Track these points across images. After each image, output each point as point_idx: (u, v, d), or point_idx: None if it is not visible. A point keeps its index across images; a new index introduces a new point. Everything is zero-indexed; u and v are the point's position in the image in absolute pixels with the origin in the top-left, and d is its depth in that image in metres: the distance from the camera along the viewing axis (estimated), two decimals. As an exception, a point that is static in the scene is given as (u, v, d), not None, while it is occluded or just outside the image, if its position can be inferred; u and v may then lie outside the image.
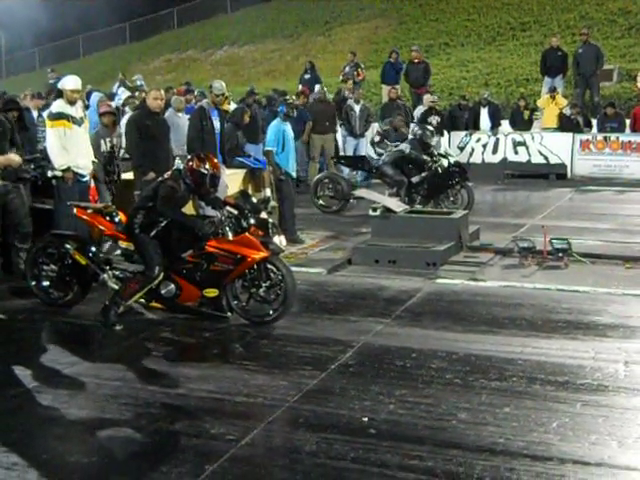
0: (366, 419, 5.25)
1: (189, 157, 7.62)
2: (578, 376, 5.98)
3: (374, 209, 10.77)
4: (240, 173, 11.14)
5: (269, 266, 7.34)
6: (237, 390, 5.80)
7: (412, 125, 17.34)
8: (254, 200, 8.27)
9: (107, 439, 5.11)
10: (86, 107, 14.23)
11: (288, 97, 12.71)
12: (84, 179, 9.29)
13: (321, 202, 13.67)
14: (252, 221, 7.50)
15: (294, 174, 11.36)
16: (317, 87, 19.11)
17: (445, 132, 17.84)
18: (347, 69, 21.07)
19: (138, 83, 19.75)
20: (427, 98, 18.54)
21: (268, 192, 11.21)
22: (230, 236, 7.36)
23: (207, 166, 7.41)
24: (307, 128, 16.12)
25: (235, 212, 7.54)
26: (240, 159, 11.58)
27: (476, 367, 6.20)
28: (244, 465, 4.66)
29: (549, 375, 6.00)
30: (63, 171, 9.01)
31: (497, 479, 4.43)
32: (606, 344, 6.74)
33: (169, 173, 7.67)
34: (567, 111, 18.03)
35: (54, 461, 4.78)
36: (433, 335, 7.06)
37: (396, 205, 11.07)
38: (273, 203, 10.83)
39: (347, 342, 6.81)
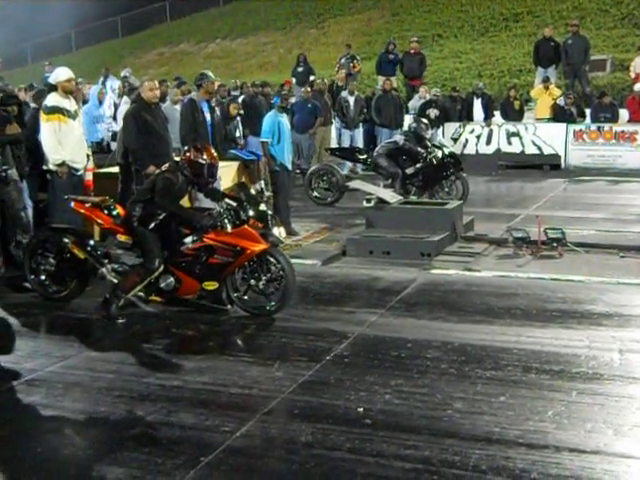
0: (361, 409, 5.24)
1: (186, 148, 7.59)
2: (573, 365, 5.99)
3: (368, 200, 10.76)
4: (234, 165, 11.11)
5: (269, 258, 7.30)
6: (232, 382, 5.78)
7: (406, 117, 17.39)
8: (252, 192, 8.24)
9: (102, 432, 5.08)
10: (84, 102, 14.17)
11: (284, 89, 12.71)
12: (78, 173, 9.25)
13: (316, 194, 13.65)
14: (251, 213, 7.46)
15: (289, 166, 11.32)
16: (311, 78, 19.08)
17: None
18: (343, 61, 21.05)
19: (126, 74, 19.57)
20: (423, 90, 18.57)
21: (262, 184, 11.19)
22: (229, 228, 7.32)
23: (205, 156, 7.39)
24: (318, 122, 16.06)
25: (234, 204, 7.50)
26: (234, 151, 11.56)
27: (471, 357, 6.20)
28: (239, 456, 4.65)
29: (544, 364, 6.00)
30: (58, 166, 8.97)
31: (493, 468, 4.43)
32: (601, 333, 6.75)
33: (167, 165, 7.65)
34: (561, 101, 18.04)
35: (48, 454, 4.75)
36: (428, 325, 7.06)
37: (390, 196, 11.06)
38: (268, 194, 10.82)
39: (342, 333, 6.80)
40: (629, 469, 4.44)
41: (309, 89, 16.54)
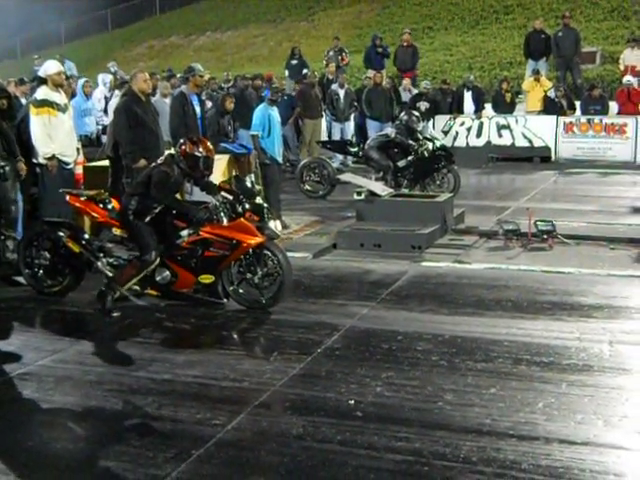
0: (352, 402, 5.25)
1: (182, 141, 7.55)
2: (563, 356, 6.01)
3: (358, 193, 10.76)
4: (224, 158, 11.08)
5: (265, 252, 7.29)
6: (223, 375, 5.79)
7: (398, 109, 17.38)
8: (248, 185, 8.23)
9: (93, 425, 5.08)
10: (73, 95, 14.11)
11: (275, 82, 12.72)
12: (68, 166, 9.22)
13: (307, 187, 13.66)
14: (247, 206, 7.45)
15: (280, 159, 11.31)
16: (304, 71, 19.05)
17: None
18: (331, 54, 21.01)
19: (112, 69, 19.45)
20: (406, 82, 18.63)
21: (252, 177, 11.17)
22: (225, 221, 7.31)
23: (200, 149, 7.36)
24: (295, 112, 16.12)
25: (230, 197, 7.48)
26: (225, 145, 11.53)
27: (462, 349, 6.21)
28: (230, 449, 4.65)
29: (534, 356, 6.02)
30: (48, 159, 8.94)
31: (484, 459, 4.44)
32: (591, 324, 6.77)
33: (162, 158, 7.62)
34: (552, 93, 18.05)
35: (40, 448, 4.75)
36: (419, 317, 7.07)
37: (381, 189, 11.06)
38: (258, 187, 10.79)
39: (333, 326, 6.80)
40: (619, 460, 4.46)
41: (284, 82, 16.64)
